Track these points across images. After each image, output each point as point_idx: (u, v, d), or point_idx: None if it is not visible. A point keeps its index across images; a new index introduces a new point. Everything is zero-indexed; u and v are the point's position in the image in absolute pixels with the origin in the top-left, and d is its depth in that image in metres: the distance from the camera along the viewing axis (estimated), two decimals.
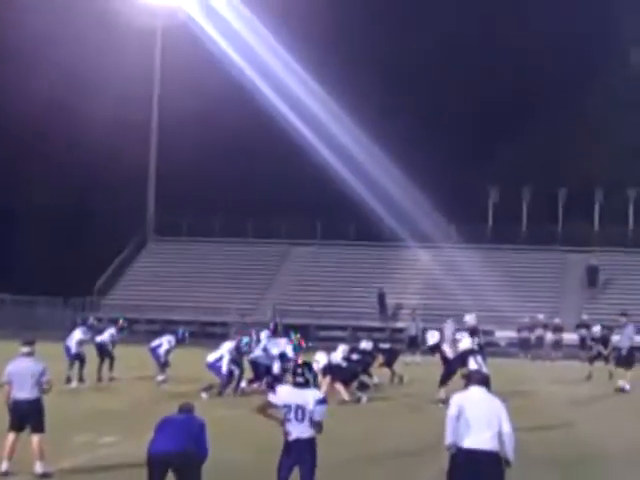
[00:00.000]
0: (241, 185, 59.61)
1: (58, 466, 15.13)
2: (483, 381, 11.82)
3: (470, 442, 11.03)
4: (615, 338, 31.74)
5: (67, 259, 58.44)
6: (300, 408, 11.75)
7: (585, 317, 42.94)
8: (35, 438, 14.84)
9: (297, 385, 12.14)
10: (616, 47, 58.79)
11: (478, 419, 11.11)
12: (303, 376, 12.30)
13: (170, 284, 55.68)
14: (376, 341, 30.75)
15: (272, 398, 12.17)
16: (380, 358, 29.21)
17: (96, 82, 56.94)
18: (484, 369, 20.07)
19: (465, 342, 22.05)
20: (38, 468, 14.74)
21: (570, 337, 43.15)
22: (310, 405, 11.79)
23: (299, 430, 11.75)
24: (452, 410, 11.28)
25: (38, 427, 14.89)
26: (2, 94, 56.48)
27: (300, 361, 23.74)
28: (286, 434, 11.82)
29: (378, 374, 28.51)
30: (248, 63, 55.77)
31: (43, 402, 15.03)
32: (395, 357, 30.55)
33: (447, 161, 55.27)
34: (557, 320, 45.05)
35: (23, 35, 56.22)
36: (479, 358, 20.68)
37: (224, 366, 25.21)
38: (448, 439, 11.31)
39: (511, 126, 59.31)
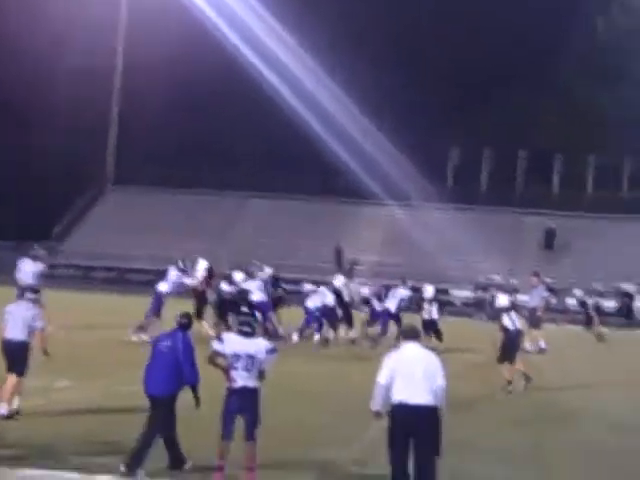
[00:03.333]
0: (203, 135, 58.93)
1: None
2: (417, 336, 11.68)
3: (408, 397, 10.92)
4: (524, 298, 31.09)
5: (23, 201, 57.56)
6: (251, 358, 11.65)
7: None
8: (12, 378, 14.89)
9: (244, 334, 11.97)
10: (583, 17, 58.80)
11: (415, 374, 11.01)
12: (250, 325, 12.24)
13: (127, 233, 55.20)
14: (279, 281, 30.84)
15: (218, 347, 11.97)
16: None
17: (61, 28, 56.09)
18: (518, 325, 20.66)
19: (502, 299, 22.17)
20: (1, 410, 14.76)
21: (524, 298, 43.23)
22: (262, 354, 11.75)
23: (246, 379, 11.65)
24: (382, 378, 11.14)
25: (18, 369, 14.95)
26: None
27: (245, 310, 23.98)
28: (231, 381, 11.70)
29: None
30: (215, 9, 54.99)
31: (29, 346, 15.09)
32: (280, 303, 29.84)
33: (412, 121, 55.00)
34: (513, 281, 45.15)
35: None
36: (513, 315, 20.91)
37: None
38: (375, 406, 11.21)
39: (478, 89, 59.08)
